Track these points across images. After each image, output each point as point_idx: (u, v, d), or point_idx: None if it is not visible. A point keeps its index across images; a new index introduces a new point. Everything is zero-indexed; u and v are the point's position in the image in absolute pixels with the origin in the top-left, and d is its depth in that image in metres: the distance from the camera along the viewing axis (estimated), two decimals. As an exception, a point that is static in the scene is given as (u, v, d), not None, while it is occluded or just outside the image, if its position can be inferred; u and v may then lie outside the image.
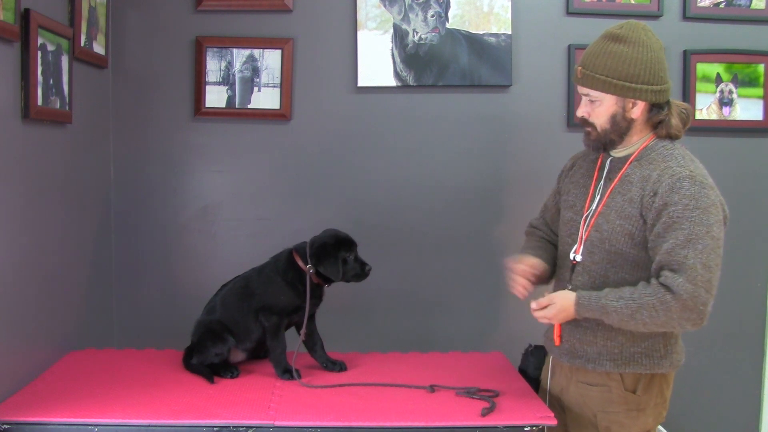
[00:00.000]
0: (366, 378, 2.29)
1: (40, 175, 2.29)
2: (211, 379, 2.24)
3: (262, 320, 2.33)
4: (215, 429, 1.93)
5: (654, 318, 1.90)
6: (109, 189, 2.95)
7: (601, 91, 2.00)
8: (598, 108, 2.02)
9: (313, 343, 2.41)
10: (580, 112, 2.08)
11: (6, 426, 1.90)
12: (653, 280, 1.93)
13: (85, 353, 2.52)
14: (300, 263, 2.34)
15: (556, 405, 2.21)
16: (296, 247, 2.39)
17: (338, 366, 2.39)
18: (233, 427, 1.93)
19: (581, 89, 2.06)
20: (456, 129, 3.01)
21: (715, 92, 3.03)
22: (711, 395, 3.14)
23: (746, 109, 3.05)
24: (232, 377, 2.28)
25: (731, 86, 3.04)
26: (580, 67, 2.04)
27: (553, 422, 1.97)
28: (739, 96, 3.04)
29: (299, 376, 2.27)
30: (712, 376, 3.13)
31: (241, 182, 3.01)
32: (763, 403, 3.16)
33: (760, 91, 3.05)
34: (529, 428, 1.94)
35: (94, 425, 1.92)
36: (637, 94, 1.98)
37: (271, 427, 1.93)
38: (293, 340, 2.39)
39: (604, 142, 2.06)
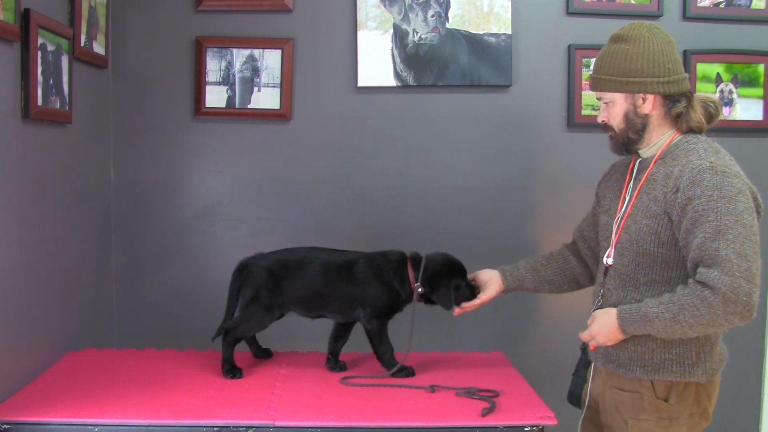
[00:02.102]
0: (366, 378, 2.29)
1: (40, 175, 2.29)
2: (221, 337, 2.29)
3: (363, 321, 2.34)
4: (215, 429, 1.93)
5: (698, 318, 1.81)
6: (109, 189, 2.95)
7: (610, 90, 2.02)
8: (613, 109, 2.04)
9: (340, 337, 2.42)
10: (600, 117, 2.09)
11: (6, 426, 1.90)
12: (690, 280, 1.86)
13: (85, 353, 2.52)
14: (411, 276, 2.32)
15: (595, 408, 2.16)
16: (412, 256, 2.35)
17: (339, 366, 2.39)
18: (233, 427, 1.93)
19: (596, 95, 2.09)
20: (456, 129, 3.01)
21: (715, 92, 3.03)
22: (711, 395, 3.13)
23: (746, 109, 3.05)
24: (233, 378, 2.27)
25: (731, 86, 3.04)
26: (590, 74, 2.09)
27: (553, 422, 1.97)
28: (739, 96, 3.04)
29: (413, 373, 2.32)
30: (712, 376, 3.12)
31: (241, 182, 3.01)
32: (763, 403, 3.16)
33: (760, 91, 3.05)
34: (529, 428, 1.94)
35: (94, 425, 1.92)
36: (643, 87, 1.98)
37: (271, 427, 1.93)
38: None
39: (624, 142, 2.06)
